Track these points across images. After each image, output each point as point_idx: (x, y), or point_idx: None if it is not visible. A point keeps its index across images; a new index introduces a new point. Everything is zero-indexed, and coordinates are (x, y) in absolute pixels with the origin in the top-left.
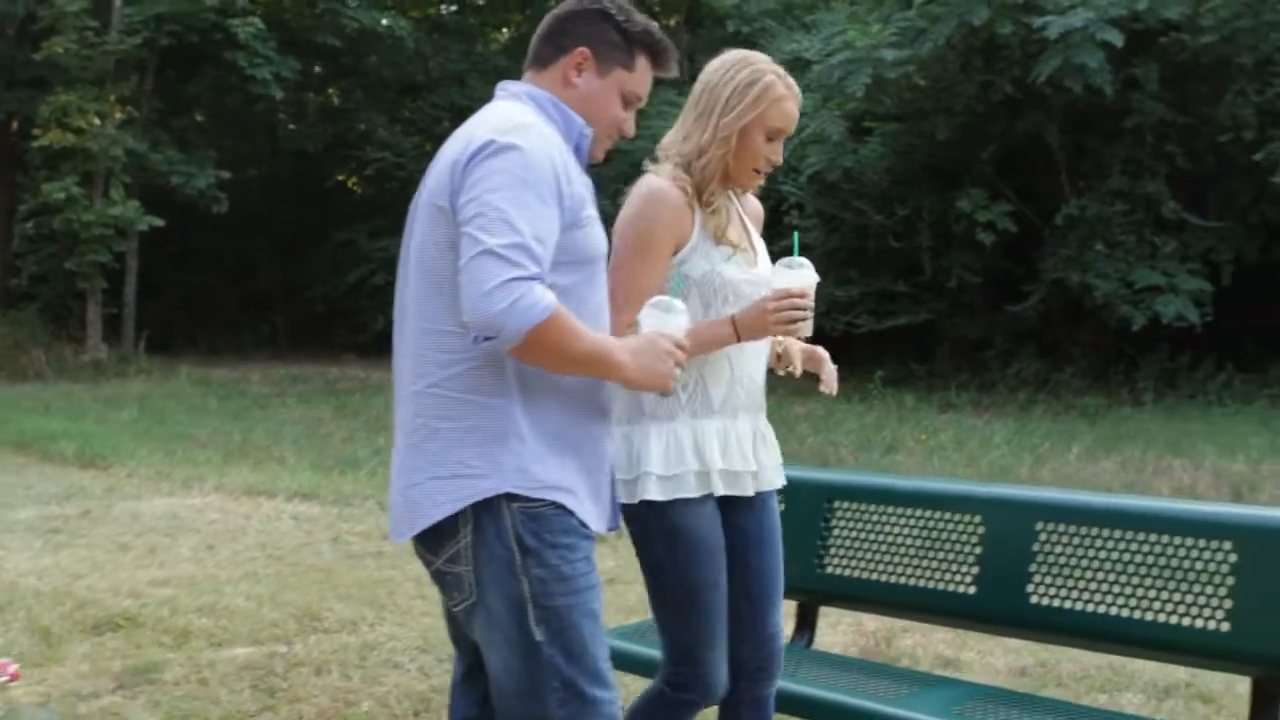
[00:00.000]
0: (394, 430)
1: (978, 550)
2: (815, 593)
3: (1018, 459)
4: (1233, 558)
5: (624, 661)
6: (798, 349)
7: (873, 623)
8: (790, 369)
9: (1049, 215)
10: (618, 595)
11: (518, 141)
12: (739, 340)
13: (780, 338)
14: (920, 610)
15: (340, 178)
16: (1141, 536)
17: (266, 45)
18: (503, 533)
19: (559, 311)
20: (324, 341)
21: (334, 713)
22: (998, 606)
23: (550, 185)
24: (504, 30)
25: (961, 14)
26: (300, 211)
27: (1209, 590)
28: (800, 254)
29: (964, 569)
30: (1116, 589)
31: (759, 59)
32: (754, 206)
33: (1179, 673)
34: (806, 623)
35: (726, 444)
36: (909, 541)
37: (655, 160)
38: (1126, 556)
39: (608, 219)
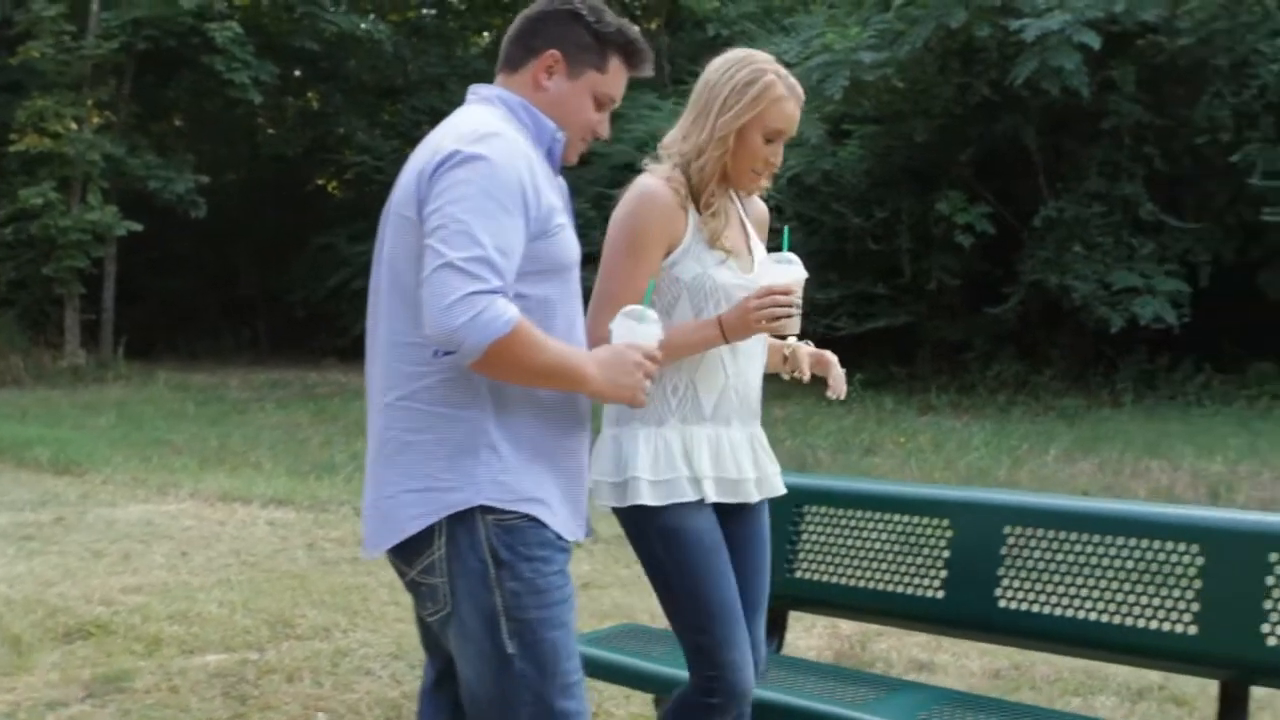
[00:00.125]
0: (368, 440)
1: (946, 554)
2: (785, 597)
3: (995, 461)
4: (1200, 560)
5: (596, 669)
6: (805, 352)
7: (847, 626)
8: (797, 373)
9: (1027, 217)
10: (593, 600)
11: (484, 151)
12: (726, 341)
13: (788, 340)
14: (889, 615)
15: (320, 182)
16: (1109, 539)
17: (244, 49)
18: (477, 545)
19: (521, 325)
20: (304, 346)
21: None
22: (966, 611)
23: (515, 196)
24: (484, 34)
25: (939, 16)
26: (280, 216)
27: (1176, 593)
28: (788, 251)
29: (933, 573)
30: (1085, 592)
31: (760, 58)
32: (759, 210)
33: (1152, 675)
34: (776, 627)
35: (718, 452)
36: (878, 546)
37: (657, 159)
38: (1094, 560)
39: (588, 223)
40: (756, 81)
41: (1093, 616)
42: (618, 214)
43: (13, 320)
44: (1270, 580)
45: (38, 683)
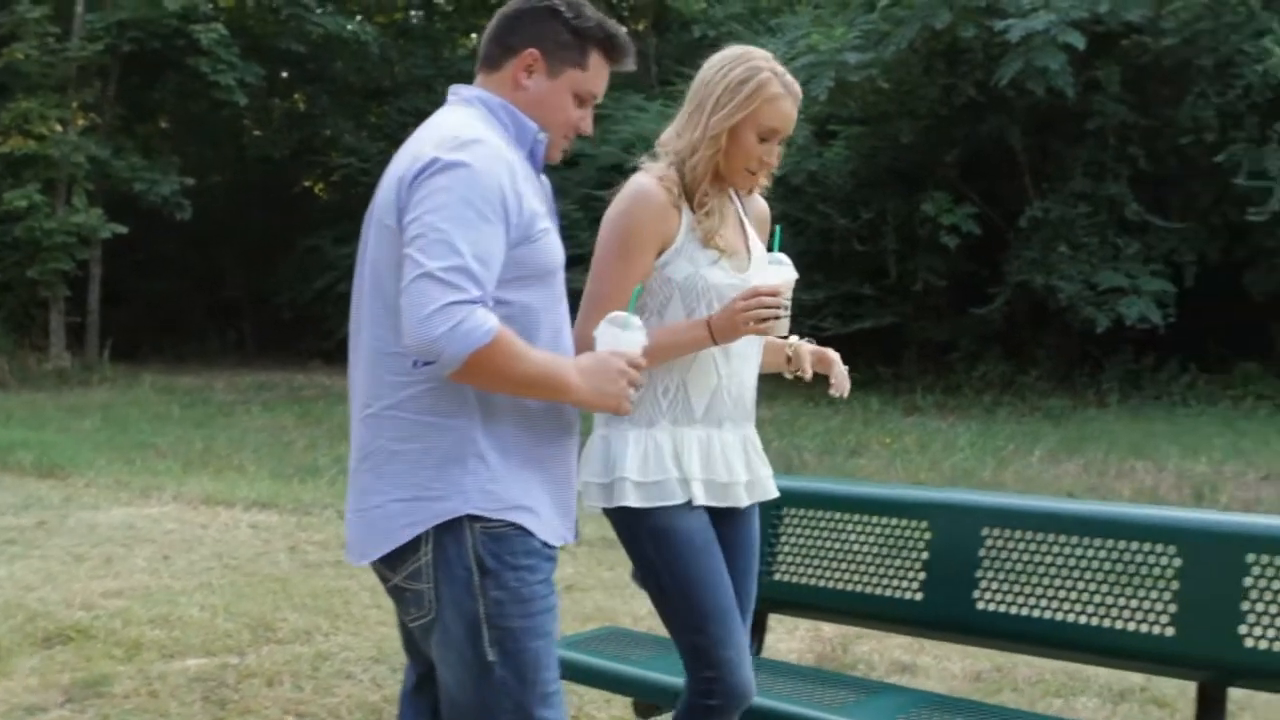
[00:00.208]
0: (350, 447)
1: (924, 556)
2: (765, 600)
3: (980, 462)
4: (1177, 562)
5: (577, 673)
6: (807, 351)
7: (829, 628)
8: (800, 373)
9: (1013, 218)
10: (575, 602)
11: (464, 158)
12: (714, 343)
13: (791, 340)
14: (868, 617)
15: (306, 184)
16: (1087, 541)
17: (230, 51)
18: (463, 553)
19: (501, 335)
20: (291, 348)
21: None
22: (945, 613)
23: (496, 203)
24: (471, 36)
25: (924, 17)
26: (266, 218)
27: (1154, 595)
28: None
29: (911, 575)
30: (1063, 594)
31: (758, 55)
32: (760, 208)
33: (1134, 677)
34: (755, 630)
35: (709, 454)
36: (857, 548)
37: (654, 156)
38: (1072, 561)
39: (574, 224)
40: (751, 80)
41: (1070, 618)
42: (610, 213)
43: None
44: (1247, 581)
45: (16, 688)
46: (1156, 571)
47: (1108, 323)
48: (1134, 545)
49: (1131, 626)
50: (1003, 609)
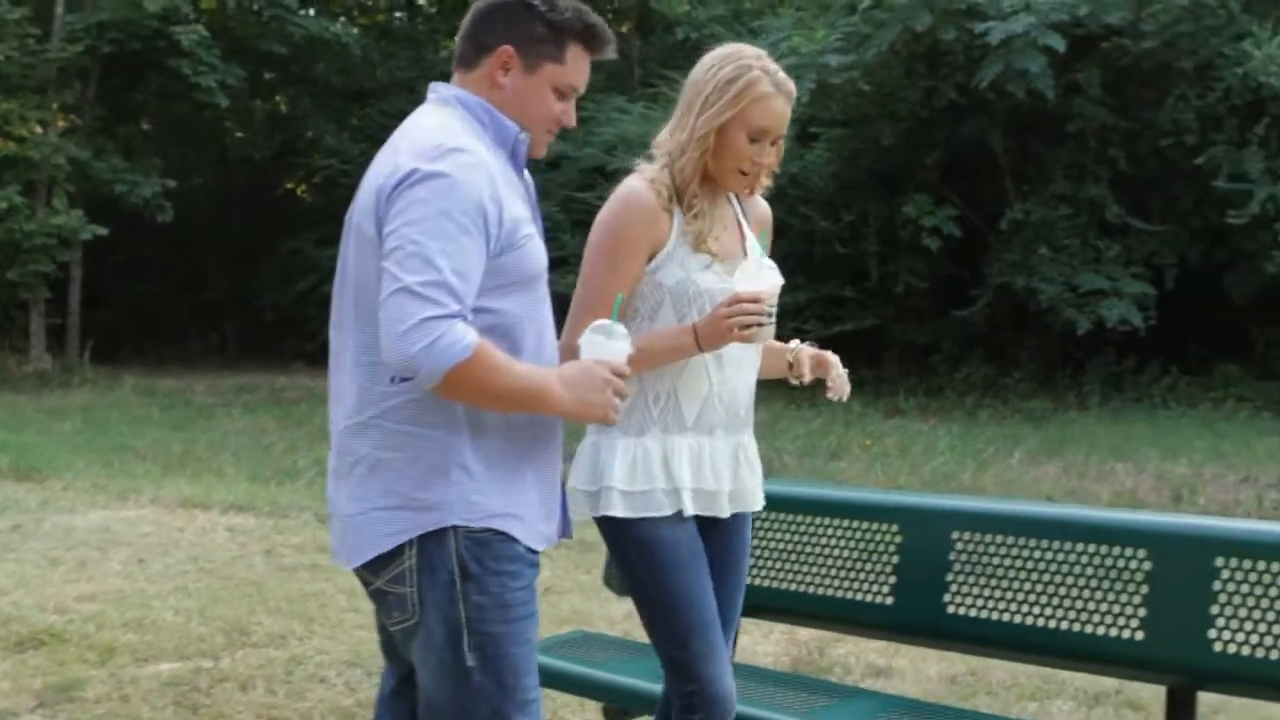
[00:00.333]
0: (330, 452)
1: (895, 560)
2: None
3: (960, 465)
4: (1147, 565)
5: (548, 677)
6: (807, 355)
7: (805, 632)
8: (799, 377)
9: (994, 220)
10: (552, 606)
11: (443, 169)
12: (700, 350)
13: (792, 344)
14: (841, 621)
15: (289, 185)
16: (1057, 544)
17: (211, 53)
18: (446, 557)
19: (481, 349)
20: (273, 350)
21: None
22: (916, 617)
23: (475, 215)
24: (453, 38)
25: (905, 20)
26: (248, 220)
27: (1124, 599)
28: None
29: (882, 579)
30: (1033, 598)
31: (749, 54)
32: (760, 210)
33: (1108, 680)
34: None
35: (699, 462)
36: (829, 551)
37: (650, 158)
38: (1043, 565)
39: (556, 226)
40: (740, 78)
41: (1040, 622)
42: (600, 217)
43: None
44: (1216, 585)
45: None
46: (1126, 575)
47: (1089, 325)
48: (1104, 549)
49: (1101, 630)
50: (974, 613)
